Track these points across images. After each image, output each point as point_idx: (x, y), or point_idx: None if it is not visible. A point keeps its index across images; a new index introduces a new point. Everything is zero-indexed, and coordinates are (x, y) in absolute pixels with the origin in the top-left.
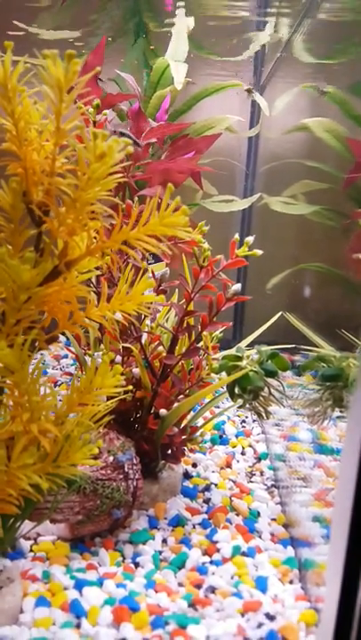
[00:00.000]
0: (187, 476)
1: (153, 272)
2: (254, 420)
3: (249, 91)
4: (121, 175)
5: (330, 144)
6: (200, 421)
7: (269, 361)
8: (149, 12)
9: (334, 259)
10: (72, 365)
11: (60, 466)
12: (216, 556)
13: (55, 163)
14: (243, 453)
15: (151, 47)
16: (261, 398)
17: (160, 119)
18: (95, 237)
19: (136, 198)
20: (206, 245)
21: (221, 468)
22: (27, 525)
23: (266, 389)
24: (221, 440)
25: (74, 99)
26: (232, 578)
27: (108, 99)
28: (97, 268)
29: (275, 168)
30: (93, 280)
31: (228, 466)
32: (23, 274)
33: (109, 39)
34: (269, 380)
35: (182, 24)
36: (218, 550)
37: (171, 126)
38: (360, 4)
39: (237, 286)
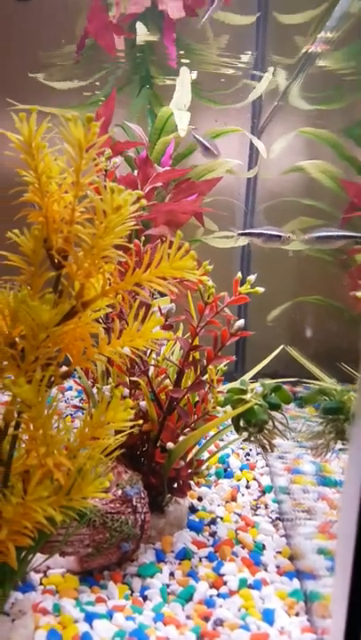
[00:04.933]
0: (193, 509)
1: (160, 307)
2: (258, 453)
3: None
4: (134, 224)
5: (325, 184)
6: (205, 454)
7: (273, 394)
8: (155, 67)
9: (332, 292)
10: (76, 397)
11: (73, 499)
12: (223, 589)
13: (74, 213)
14: (247, 486)
15: (156, 96)
16: (266, 431)
17: (165, 164)
18: (109, 279)
19: (143, 237)
20: (210, 283)
21: (227, 502)
22: (38, 558)
23: (270, 422)
24: (226, 473)
25: (92, 156)
26: (239, 610)
27: (117, 146)
28: (108, 306)
29: (272, 206)
30: (103, 315)
31: (234, 499)
32: (43, 314)
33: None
34: (273, 412)
35: (186, 76)
36: (225, 583)
37: (175, 172)
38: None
39: (241, 322)
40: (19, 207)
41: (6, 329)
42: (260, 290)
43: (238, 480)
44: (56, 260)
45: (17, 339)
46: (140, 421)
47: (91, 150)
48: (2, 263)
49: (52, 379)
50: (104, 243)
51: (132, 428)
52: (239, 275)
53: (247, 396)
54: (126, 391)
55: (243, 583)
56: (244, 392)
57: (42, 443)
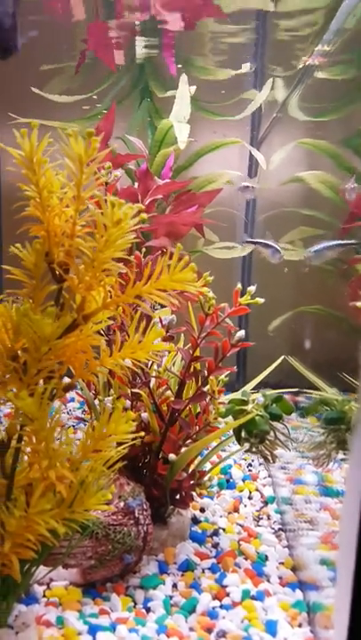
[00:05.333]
0: (195, 520)
1: (161, 319)
2: (260, 464)
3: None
4: (134, 237)
5: (325, 194)
6: (207, 465)
7: (274, 405)
8: (154, 79)
9: (333, 302)
10: (78, 409)
11: (76, 511)
12: (226, 600)
13: (75, 227)
14: (250, 497)
15: (155, 109)
16: (267, 442)
17: (165, 176)
18: (110, 292)
19: (144, 249)
20: (211, 294)
21: (229, 513)
22: (41, 571)
23: (272, 433)
24: (228, 484)
25: (93, 171)
26: (242, 622)
27: (118, 159)
28: (109, 318)
29: (272, 216)
30: (104, 327)
31: (236, 510)
32: (45, 327)
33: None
34: (275, 423)
35: (185, 88)
36: (228, 594)
37: (175, 184)
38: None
39: (242, 333)
40: (21, 221)
41: (9, 342)
42: (261, 300)
43: (241, 491)
44: (57, 274)
45: (19, 352)
46: (142, 433)
47: (91, 165)
48: (4, 276)
49: (55, 391)
50: (105, 256)
51: (134, 439)
52: (239, 286)
53: (248, 407)
54: (128, 402)
55: (246, 594)
56: (246, 403)
57: (44, 456)
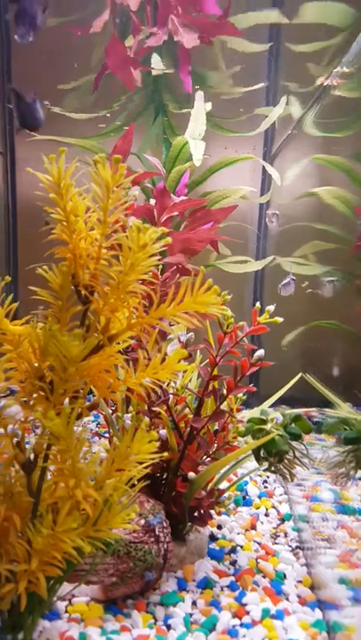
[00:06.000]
0: (212, 538)
1: (179, 337)
2: (275, 480)
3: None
4: (157, 259)
5: (339, 210)
6: (224, 483)
7: (293, 424)
8: (169, 96)
9: (345, 316)
10: (93, 422)
11: (101, 529)
12: (246, 619)
13: (101, 250)
14: (266, 514)
15: (170, 125)
16: (286, 461)
17: (180, 193)
18: (134, 313)
19: (160, 266)
20: (229, 312)
21: (246, 530)
22: (64, 587)
23: (291, 452)
24: (245, 501)
25: (119, 196)
26: None
27: (135, 177)
28: (129, 337)
29: (285, 230)
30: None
31: (253, 527)
32: (73, 349)
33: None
34: (293, 442)
35: (201, 105)
36: (247, 613)
37: (192, 201)
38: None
39: (261, 352)
40: (36, 234)
41: (35, 362)
42: (280, 320)
43: (257, 508)
44: (83, 296)
45: (45, 372)
46: (166, 453)
47: (117, 190)
48: (31, 297)
49: (80, 411)
50: (130, 278)
51: (154, 459)
52: (258, 304)
53: (268, 426)
54: (146, 419)
55: (266, 613)
56: (265, 422)
57: (71, 474)
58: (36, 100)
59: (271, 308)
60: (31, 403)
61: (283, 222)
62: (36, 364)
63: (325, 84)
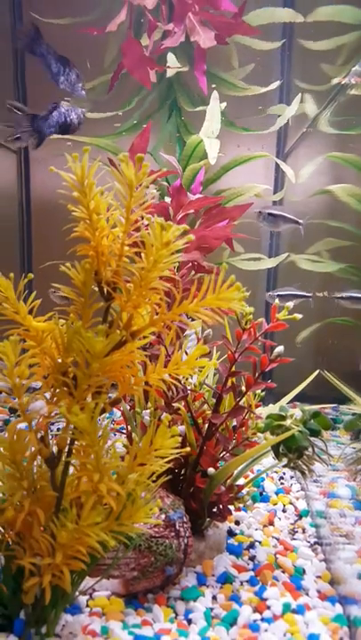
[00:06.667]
0: (231, 533)
1: (198, 334)
2: (291, 477)
3: None
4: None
5: (353, 207)
6: (241, 479)
7: (313, 420)
8: (183, 94)
9: (358, 312)
10: (107, 418)
11: (124, 524)
12: (267, 614)
13: (123, 247)
14: (284, 510)
15: (184, 123)
16: (305, 457)
17: (195, 191)
18: (156, 309)
19: (177, 263)
20: (248, 309)
21: (264, 526)
22: (85, 581)
23: (310, 448)
24: (262, 497)
25: (142, 195)
26: (284, 635)
27: (150, 175)
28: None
29: (298, 227)
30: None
31: (271, 523)
32: (97, 344)
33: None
34: (312, 438)
35: (216, 105)
36: (268, 607)
37: (208, 199)
38: None
39: (280, 348)
40: (52, 232)
41: (59, 357)
42: (299, 316)
43: (274, 504)
44: (106, 292)
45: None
46: (188, 449)
47: (140, 189)
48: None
49: (103, 406)
50: (152, 275)
51: (176, 454)
52: (277, 301)
53: (287, 423)
54: (164, 415)
55: (286, 608)
56: (284, 418)
57: (95, 469)
58: (57, 105)
59: (290, 304)
60: (54, 399)
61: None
62: (60, 360)
63: (343, 82)
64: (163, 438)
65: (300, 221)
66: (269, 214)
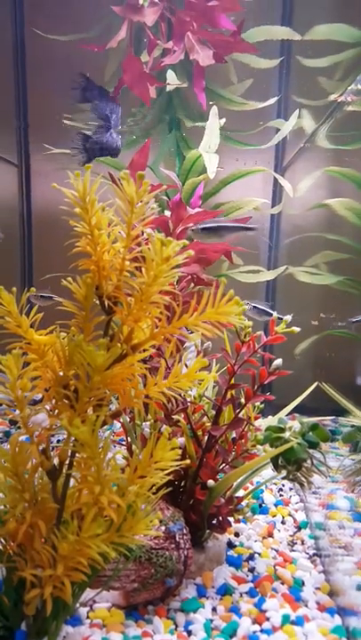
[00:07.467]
0: (230, 545)
1: (198, 346)
2: (291, 488)
3: None
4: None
5: (351, 221)
6: (240, 491)
7: (311, 432)
8: (183, 110)
9: (358, 325)
10: (107, 430)
11: (124, 535)
12: (266, 625)
13: (124, 262)
14: (283, 522)
15: (183, 139)
16: (304, 469)
17: (195, 205)
18: (156, 323)
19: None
20: (247, 322)
21: (263, 538)
22: (86, 593)
23: (308, 460)
24: (261, 509)
25: (143, 211)
26: None
27: (152, 189)
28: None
29: (296, 240)
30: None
31: (270, 535)
32: (98, 358)
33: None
34: (311, 450)
35: (215, 120)
36: (267, 619)
37: (207, 213)
38: None
39: (279, 361)
40: (51, 243)
41: (60, 371)
42: (297, 329)
43: (273, 516)
44: (107, 306)
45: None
46: (188, 461)
47: (141, 205)
48: (56, 308)
49: (104, 419)
50: (153, 290)
51: (176, 466)
52: (275, 314)
53: (286, 435)
54: (164, 427)
55: (286, 619)
56: (283, 430)
57: (96, 481)
58: (110, 129)
59: (288, 317)
60: (56, 411)
61: (294, 233)
62: (61, 373)
63: (340, 100)
64: (163, 451)
65: (253, 226)
66: (203, 229)
